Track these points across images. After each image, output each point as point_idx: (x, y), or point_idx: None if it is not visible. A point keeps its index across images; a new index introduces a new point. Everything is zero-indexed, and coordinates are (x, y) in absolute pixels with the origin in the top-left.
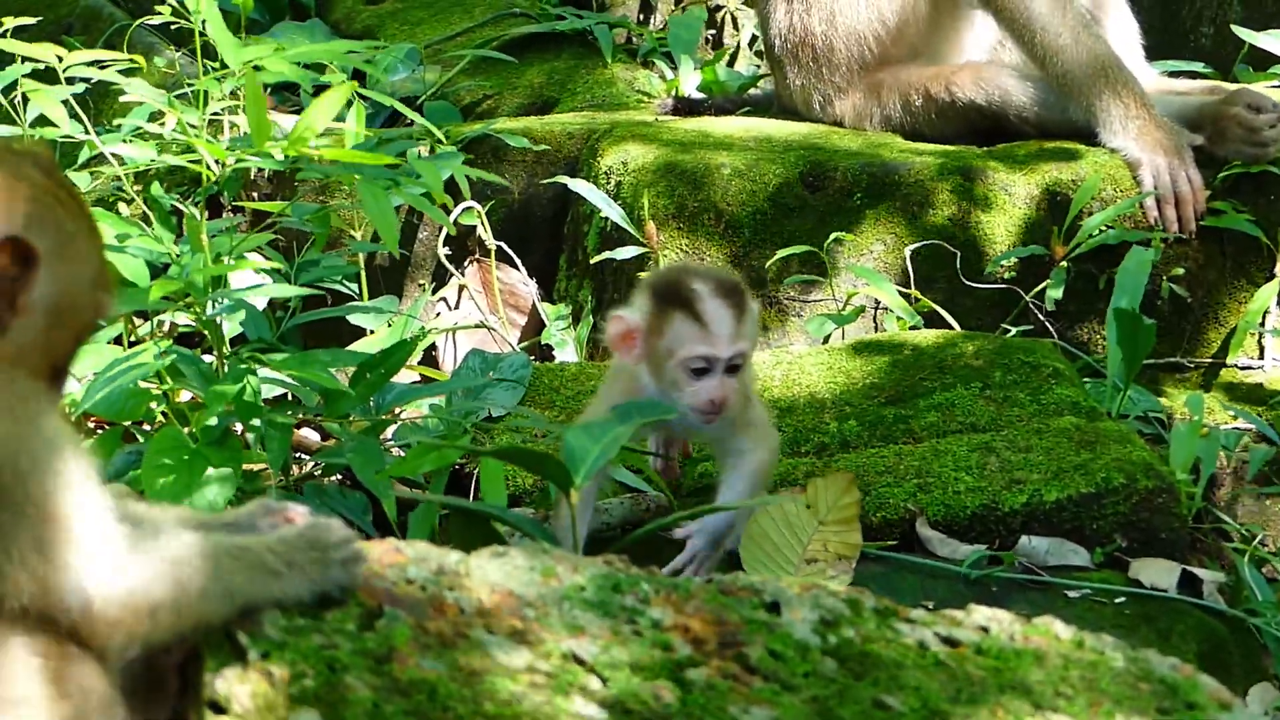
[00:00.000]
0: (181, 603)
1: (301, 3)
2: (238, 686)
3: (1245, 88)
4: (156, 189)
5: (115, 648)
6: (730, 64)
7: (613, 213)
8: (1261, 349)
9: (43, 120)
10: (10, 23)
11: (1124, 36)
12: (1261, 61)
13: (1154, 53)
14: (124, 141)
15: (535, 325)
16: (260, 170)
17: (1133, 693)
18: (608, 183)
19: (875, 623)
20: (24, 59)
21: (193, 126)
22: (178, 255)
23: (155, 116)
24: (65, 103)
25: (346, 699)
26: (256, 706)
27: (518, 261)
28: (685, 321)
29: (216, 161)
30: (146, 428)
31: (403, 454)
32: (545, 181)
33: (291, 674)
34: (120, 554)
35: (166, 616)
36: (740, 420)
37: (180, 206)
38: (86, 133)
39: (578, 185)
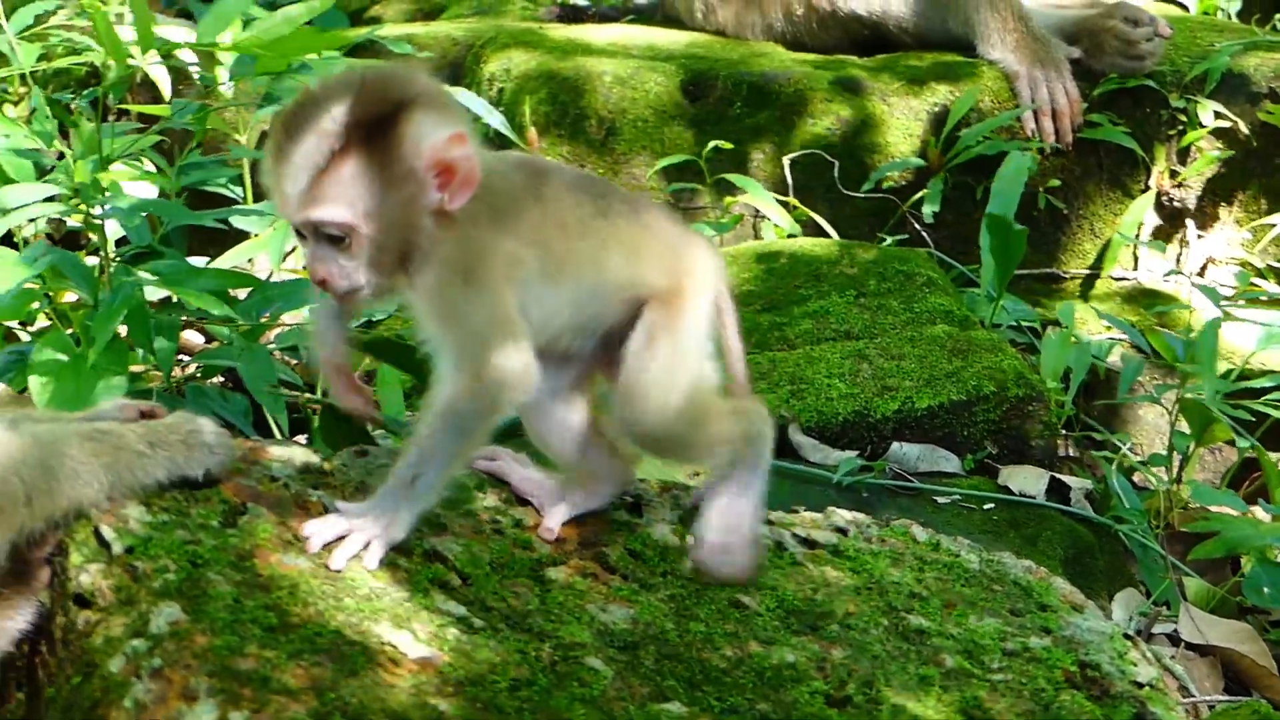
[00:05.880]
0: (46, 486)
1: None
2: (102, 580)
3: (1123, 1)
4: (37, 91)
5: None
6: None
7: (494, 120)
8: (1136, 260)
9: None
10: None
11: None
12: None
13: None
14: (20, 39)
15: None
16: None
17: (986, 595)
18: (490, 89)
19: None
20: None
21: (84, 32)
22: (59, 157)
23: (41, 18)
24: None
25: (208, 593)
26: (119, 600)
27: None
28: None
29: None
30: (32, 329)
31: (287, 358)
32: None
33: (154, 568)
34: None
35: (41, 501)
36: (436, 335)
37: (70, 108)
38: None
39: (458, 93)
